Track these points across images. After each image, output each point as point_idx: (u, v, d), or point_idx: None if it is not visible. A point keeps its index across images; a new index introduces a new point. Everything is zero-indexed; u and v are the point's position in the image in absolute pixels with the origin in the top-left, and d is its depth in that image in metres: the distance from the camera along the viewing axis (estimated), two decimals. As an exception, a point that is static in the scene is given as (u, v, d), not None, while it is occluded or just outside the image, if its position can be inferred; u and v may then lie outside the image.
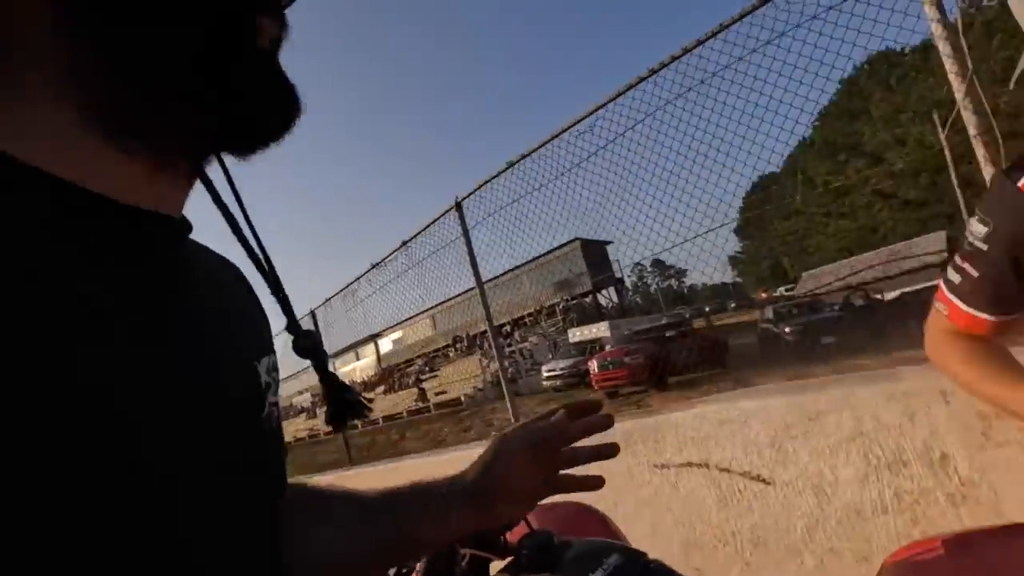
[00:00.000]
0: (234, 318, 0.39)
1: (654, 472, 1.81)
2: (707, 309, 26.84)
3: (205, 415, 0.30)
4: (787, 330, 11.46)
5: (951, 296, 0.88)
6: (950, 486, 1.31)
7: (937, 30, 1.78)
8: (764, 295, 36.85)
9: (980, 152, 1.71)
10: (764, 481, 1.62)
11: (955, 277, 0.87)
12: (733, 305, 39.15)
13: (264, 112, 0.33)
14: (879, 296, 12.18)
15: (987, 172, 1.70)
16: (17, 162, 0.26)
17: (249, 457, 0.34)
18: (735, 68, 2.49)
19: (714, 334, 12.79)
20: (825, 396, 1.53)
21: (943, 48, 1.77)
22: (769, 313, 13.98)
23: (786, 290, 29.63)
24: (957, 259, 0.87)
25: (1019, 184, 0.79)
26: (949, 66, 1.76)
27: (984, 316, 0.84)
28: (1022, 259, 0.80)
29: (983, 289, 0.84)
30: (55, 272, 0.25)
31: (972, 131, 1.74)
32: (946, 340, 0.90)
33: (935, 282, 0.97)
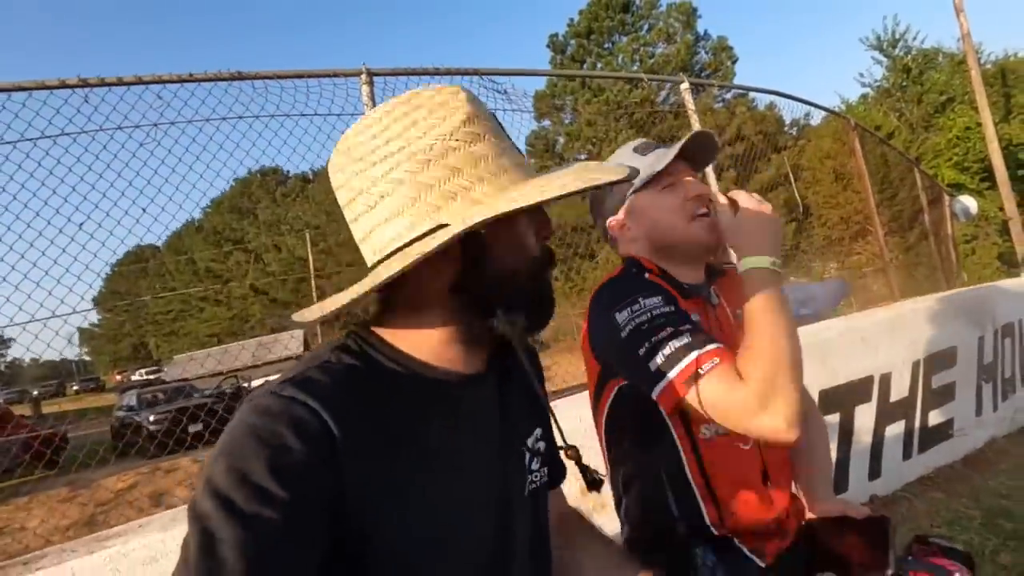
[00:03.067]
0: (526, 407, 0.69)
1: None
2: (35, 393, 21.31)
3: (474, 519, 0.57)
4: (151, 419, 10.05)
5: (706, 348, 0.79)
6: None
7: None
8: (120, 377, 32.32)
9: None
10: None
11: (684, 339, 0.80)
12: (76, 388, 32.45)
13: (534, 326, 0.61)
14: (247, 383, 12.82)
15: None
16: (403, 353, 0.58)
17: (503, 536, 0.60)
18: (163, 128, 2.23)
19: (47, 425, 9.91)
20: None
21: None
22: (131, 399, 12.25)
23: (147, 372, 26.89)
24: (663, 333, 0.81)
25: None
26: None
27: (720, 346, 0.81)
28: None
29: (702, 329, 0.85)
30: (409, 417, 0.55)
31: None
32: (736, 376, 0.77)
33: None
